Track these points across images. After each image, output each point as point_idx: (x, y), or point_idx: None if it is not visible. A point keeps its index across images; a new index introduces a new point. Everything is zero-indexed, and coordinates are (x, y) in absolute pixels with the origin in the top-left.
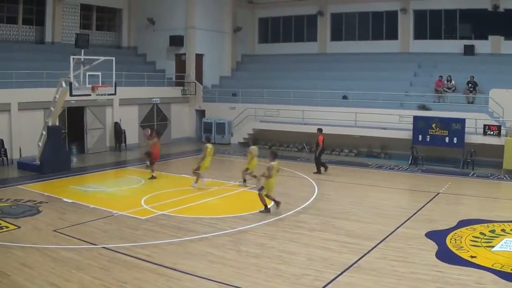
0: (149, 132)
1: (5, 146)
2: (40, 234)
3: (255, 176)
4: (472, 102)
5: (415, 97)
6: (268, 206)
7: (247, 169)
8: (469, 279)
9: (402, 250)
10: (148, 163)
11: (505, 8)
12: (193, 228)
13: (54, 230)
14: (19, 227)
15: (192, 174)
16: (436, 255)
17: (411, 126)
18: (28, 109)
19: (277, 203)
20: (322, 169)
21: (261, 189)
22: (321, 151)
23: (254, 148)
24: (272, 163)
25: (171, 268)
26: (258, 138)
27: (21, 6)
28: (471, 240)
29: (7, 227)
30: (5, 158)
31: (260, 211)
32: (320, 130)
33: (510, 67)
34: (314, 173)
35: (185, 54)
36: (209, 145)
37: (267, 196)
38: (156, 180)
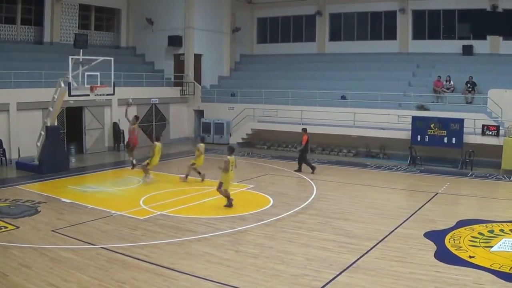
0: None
1: (4, 146)
2: (39, 234)
3: (199, 173)
4: (470, 102)
5: (413, 97)
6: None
7: (193, 163)
8: (468, 279)
9: (401, 250)
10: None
11: (504, 8)
12: (192, 228)
13: (53, 230)
14: (17, 227)
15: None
16: (434, 255)
17: (409, 126)
18: (26, 109)
19: (230, 201)
20: (309, 169)
21: (220, 185)
22: (304, 151)
23: (201, 146)
24: (229, 157)
25: (169, 268)
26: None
27: (19, 6)
28: (469, 240)
29: (5, 227)
30: (4, 158)
31: (224, 206)
32: (304, 130)
33: (508, 67)
34: (294, 171)
35: (183, 54)
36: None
37: (224, 191)
38: (155, 180)
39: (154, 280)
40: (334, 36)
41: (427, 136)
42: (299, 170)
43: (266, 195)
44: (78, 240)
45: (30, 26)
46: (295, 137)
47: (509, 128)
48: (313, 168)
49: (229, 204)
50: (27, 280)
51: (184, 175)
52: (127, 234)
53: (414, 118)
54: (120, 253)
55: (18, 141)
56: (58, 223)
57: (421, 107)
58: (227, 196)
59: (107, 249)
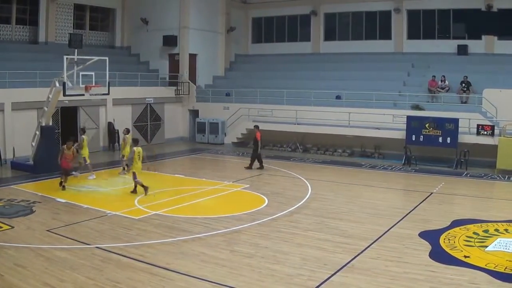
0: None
1: None
2: (34, 234)
3: (126, 165)
4: (465, 102)
5: (408, 97)
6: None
7: (123, 156)
8: (463, 279)
9: (396, 250)
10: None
11: (499, 8)
12: (187, 228)
13: (48, 230)
14: (12, 227)
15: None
16: (429, 255)
17: (404, 126)
18: (21, 109)
19: (139, 188)
20: (257, 165)
21: (135, 176)
22: (257, 147)
23: (128, 137)
24: (135, 148)
25: (164, 268)
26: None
27: (14, 6)
28: (464, 240)
29: (0, 227)
30: None
31: (145, 195)
32: (257, 127)
33: (503, 67)
34: (245, 168)
35: (178, 54)
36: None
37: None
38: (150, 180)
39: (150, 280)
40: (329, 36)
41: (422, 136)
42: (251, 167)
43: (261, 195)
44: (73, 240)
45: (25, 26)
46: (289, 137)
47: (504, 127)
48: (262, 165)
49: (135, 191)
50: (22, 280)
51: (122, 169)
52: (122, 234)
53: (409, 118)
54: (115, 253)
55: (13, 141)
56: (53, 223)
57: (416, 107)
58: (141, 185)
59: (102, 249)
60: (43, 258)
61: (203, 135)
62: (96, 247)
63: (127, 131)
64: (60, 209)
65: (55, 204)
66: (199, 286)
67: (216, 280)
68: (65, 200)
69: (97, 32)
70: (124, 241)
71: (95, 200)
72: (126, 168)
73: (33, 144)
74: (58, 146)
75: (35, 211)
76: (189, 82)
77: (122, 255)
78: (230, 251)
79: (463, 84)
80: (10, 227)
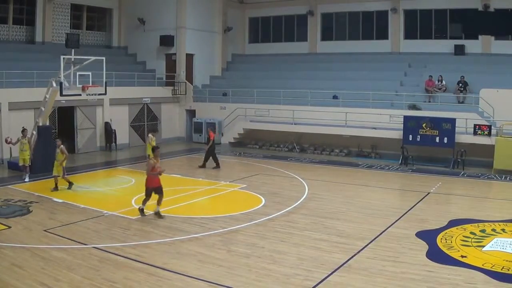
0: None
1: None
2: (31, 234)
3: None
4: (462, 102)
5: (405, 97)
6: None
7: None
8: (460, 279)
9: (393, 249)
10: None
11: (496, 8)
12: (184, 228)
13: (45, 230)
14: (9, 227)
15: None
16: (426, 254)
17: (401, 126)
18: (18, 109)
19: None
20: (213, 164)
21: (57, 176)
22: (212, 147)
23: (151, 136)
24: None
25: (161, 268)
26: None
27: (11, 6)
28: (461, 240)
29: None
30: None
31: (67, 189)
32: (210, 127)
33: (500, 67)
34: (199, 166)
35: (175, 54)
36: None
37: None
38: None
39: (147, 280)
40: (326, 35)
41: (419, 136)
42: (205, 165)
43: (258, 195)
44: (70, 239)
45: (22, 25)
46: (286, 136)
47: (501, 127)
48: (217, 165)
49: (56, 188)
50: (19, 280)
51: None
52: (119, 233)
53: (406, 118)
54: (112, 253)
55: None
56: (50, 223)
57: (413, 107)
58: (68, 180)
59: (99, 249)
60: (39, 258)
61: (200, 135)
62: (93, 247)
63: (152, 130)
64: (57, 209)
65: (52, 204)
66: (196, 286)
67: (213, 280)
68: (62, 200)
69: (94, 32)
70: (121, 241)
71: (92, 200)
72: None
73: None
74: (55, 146)
75: (32, 211)
76: (186, 82)
77: (119, 255)
78: (227, 251)
79: (460, 84)
80: (7, 227)
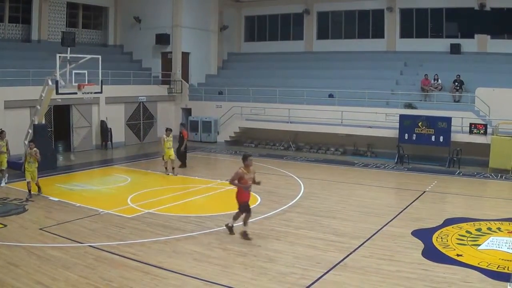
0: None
1: None
2: (27, 233)
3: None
4: (458, 101)
5: (401, 95)
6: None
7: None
8: (455, 278)
9: (389, 248)
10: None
11: (492, 7)
12: (179, 227)
13: (41, 229)
14: (5, 226)
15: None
16: (422, 253)
17: (397, 125)
18: (14, 107)
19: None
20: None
21: (29, 181)
22: (185, 146)
23: (165, 137)
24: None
25: (157, 267)
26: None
27: (7, 4)
28: (457, 239)
29: None
30: None
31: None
32: (183, 125)
33: (496, 66)
34: (179, 167)
35: (171, 52)
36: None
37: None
38: (143, 178)
39: (142, 278)
40: (322, 34)
41: (414, 135)
42: (185, 164)
43: (253, 194)
44: (66, 238)
45: (17, 24)
46: (282, 135)
47: (497, 126)
48: (184, 165)
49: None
50: (15, 278)
51: None
52: (114, 232)
53: (401, 117)
54: (108, 252)
55: None
56: (46, 222)
57: (409, 106)
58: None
59: (95, 247)
60: (35, 256)
61: (196, 134)
62: (89, 245)
63: (167, 130)
64: (53, 208)
65: (48, 202)
66: (192, 285)
67: (209, 279)
68: (58, 198)
69: (90, 31)
70: (117, 240)
71: (87, 199)
72: (173, 169)
73: (26, 142)
74: (51, 144)
75: (28, 209)
76: (181, 81)
77: (115, 254)
78: (222, 250)
79: (456, 83)
80: (2, 226)
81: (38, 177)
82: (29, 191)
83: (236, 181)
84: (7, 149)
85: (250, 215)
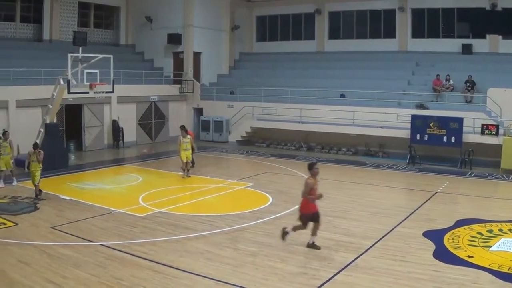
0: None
1: None
2: (38, 231)
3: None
4: (470, 101)
5: (413, 96)
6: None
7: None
8: (466, 279)
9: (400, 249)
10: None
11: (503, 7)
12: (191, 226)
13: (52, 227)
14: (16, 224)
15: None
16: (433, 254)
17: (409, 125)
18: (26, 106)
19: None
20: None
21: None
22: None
23: (181, 138)
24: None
25: (168, 266)
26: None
27: (18, 3)
28: (468, 240)
29: (4, 223)
30: None
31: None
32: (183, 127)
33: (508, 66)
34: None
35: (183, 52)
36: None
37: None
38: (155, 178)
39: (153, 277)
40: (333, 34)
41: (426, 135)
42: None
43: (265, 193)
44: (77, 237)
45: (29, 23)
46: (293, 135)
47: (509, 127)
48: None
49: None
50: (25, 277)
51: None
52: (126, 231)
53: (413, 117)
54: (119, 250)
55: (17, 138)
56: (57, 220)
57: (421, 106)
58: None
59: (106, 246)
60: (46, 255)
61: (207, 133)
62: (100, 244)
63: (182, 130)
64: (64, 206)
65: (60, 201)
66: (203, 284)
67: (220, 278)
68: (69, 197)
69: (101, 30)
70: (128, 239)
71: (99, 198)
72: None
73: (38, 141)
74: (63, 143)
75: (39, 208)
76: (193, 80)
77: (126, 253)
78: (233, 249)
79: (468, 84)
80: (14, 224)
81: (50, 176)
82: (36, 194)
83: (307, 194)
84: (12, 149)
85: (319, 225)
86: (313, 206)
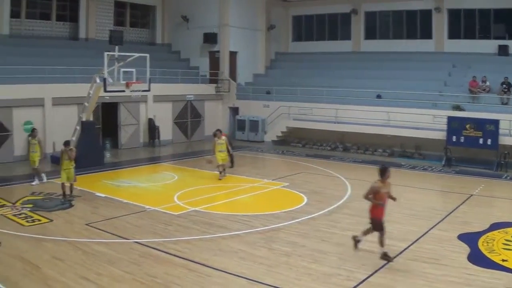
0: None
1: None
2: (72, 228)
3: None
4: (506, 103)
5: (449, 97)
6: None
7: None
8: (500, 283)
9: (434, 252)
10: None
11: None
12: (225, 225)
13: (86, 224)
14: (51, 221)
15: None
16: (468, 257)
17: (445, 127)
18: (62, 104)
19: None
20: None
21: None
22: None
23: (216, 139)
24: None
25: (202, 264)
26: None
27: (54, 2)
28: (503, 244)
29: (39, 220)
30: None
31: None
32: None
33: None
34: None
35: (219, 51)
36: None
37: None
38: (190, 176)
39: (187, 275)
40: (370, 34)
41: (462, 137)
42: (232, 165)
43: (300, 194)
44: (112, 234)
45: (65, 22)
46: (329, 135)
47: None
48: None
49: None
50: (59, 273)
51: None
52: (160, 229)
53: (449, 119)
54: (154, 248)
55: (53, 135)
56: (92, 217)
57: (457, 108)
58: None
59: (140, 243)
60: (81, 251)
61: (243, 133)
62: (135, 241)
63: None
64: (99, 204)
65: (95, 198)
66: (236, 283)
67: (253, 277)
68: (104, 194)
69: (137, 29)
70: (163, 237)
71: (134, 195)
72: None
73: (74, 139)
74: (99, 141)
75: (74, 205)
76: (229, 80)
77: (160, 250)
78: (268, 249)
79: (504, 85)
80: (49, 221)
81: (86, 174)
82: (63, 193)
83: (371, 196)
84: (40, 147)
85: (384, 234)
86: (380, 211)
